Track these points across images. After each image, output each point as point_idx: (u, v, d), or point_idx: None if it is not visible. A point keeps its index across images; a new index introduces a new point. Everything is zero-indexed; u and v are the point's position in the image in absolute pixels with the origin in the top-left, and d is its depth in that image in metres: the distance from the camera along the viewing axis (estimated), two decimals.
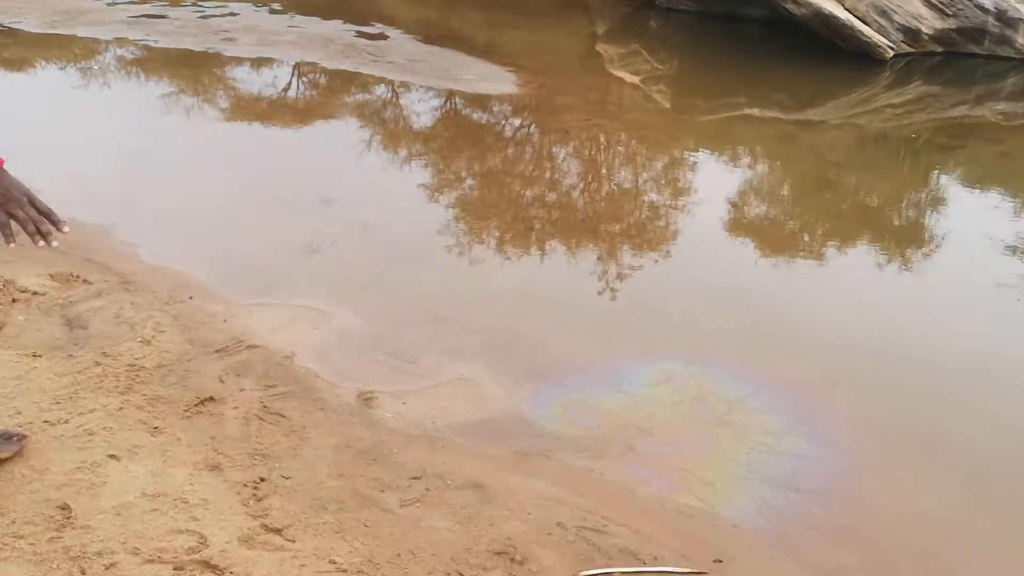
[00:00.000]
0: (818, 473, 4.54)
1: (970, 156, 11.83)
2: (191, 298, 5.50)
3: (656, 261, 7.17)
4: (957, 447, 4.92)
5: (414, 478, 4.09)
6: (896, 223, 9.00)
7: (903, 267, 7.75)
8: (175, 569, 3.30)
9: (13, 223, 2.45)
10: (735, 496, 4.25)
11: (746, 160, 10.88)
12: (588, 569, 3.63)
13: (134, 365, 4.64)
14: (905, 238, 8.49)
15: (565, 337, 5.61)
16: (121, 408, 4.26)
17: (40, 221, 2.43)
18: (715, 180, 9.67)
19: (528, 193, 8.50)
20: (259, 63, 12.02)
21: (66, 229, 2.46)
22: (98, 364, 4.60)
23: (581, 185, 8.94)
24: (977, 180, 10.79)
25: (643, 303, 6.35)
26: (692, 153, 10.76)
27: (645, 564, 3.71)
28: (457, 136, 10.19)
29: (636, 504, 4.13)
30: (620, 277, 6.73)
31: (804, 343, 5.91)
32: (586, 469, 4.36)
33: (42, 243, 2.43)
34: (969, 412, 5.27)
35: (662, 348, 5.63)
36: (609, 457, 4.47)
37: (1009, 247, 8.25)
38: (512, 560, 3.63)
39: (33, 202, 2.43)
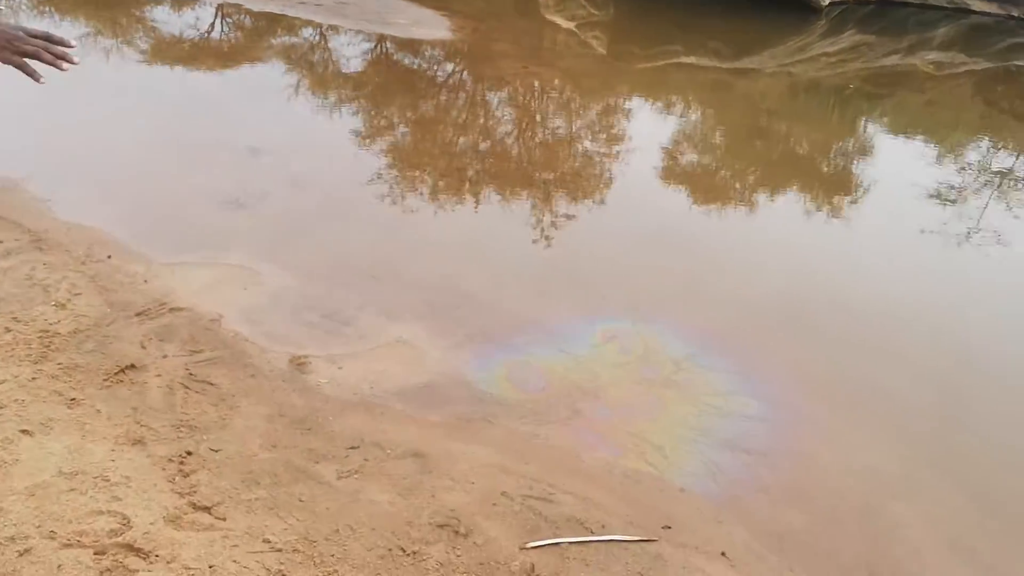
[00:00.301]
0: (763, 432, 4.49)
1: (898, 105, 11.95)
2: (109, 257, 5.16)
3: (595, 212, 7.03)
4: (893, 399, 4.94)
5: (351, 448, 3.90)
6: (825, 171, 9.05)
7: (832, 214, 7.81)
8: (96, 554, 3.08)
9: (31, 61, 2.21)
10: (683, 460, 4.17)
11: (681, 108, 10.80)
12: (535, 540, 3.51)
13: (48, 331, 4.33)
14: (834, 186, 8.53)
15: (507, 295, 5.44)
16: (34, 378, 3.97)
17: (49, 47, 2.20)
18: (651, 128, 9.57)
19: (463, 142, 8.25)
20: (180, 3, 11.44)
21: (74, 44, 2.24)
22: (8, 330, 4.28)
23: (518, 134, 8.72)
24: (904, 128, 10.93)
25: (585, 256, 6.20)
26: (628, 100, 10.62)
27: (593, 533, 3.61)
28: (390, 82, 9.83)
29: (582, 470, 4.01)
30: (562, 230, 6.56)
31: (742, 293, 5.86)
32: (530, 435, 4.22)
33: (66, 65, 2.20)
34: (901, 363, 5.30)
35: (606, 305, 5.50)
36: (554, 422, 4.34)
37: (932, 194, 8.38)
38: (456, 533, 3.49)
39: (31, 32, 2.19)
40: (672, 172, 8.41)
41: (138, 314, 4.61)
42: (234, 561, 3.14)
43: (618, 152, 8.59)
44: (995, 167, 9.62)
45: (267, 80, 9.26)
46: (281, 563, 3.18)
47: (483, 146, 8.20)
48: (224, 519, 3.35)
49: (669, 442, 4.26)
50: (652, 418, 4.42)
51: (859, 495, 4.15)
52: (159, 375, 4.15)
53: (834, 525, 3.93)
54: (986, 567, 3.83)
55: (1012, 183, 9.20)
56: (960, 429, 4.81)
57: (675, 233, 6.78)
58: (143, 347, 4.35)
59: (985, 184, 9.04)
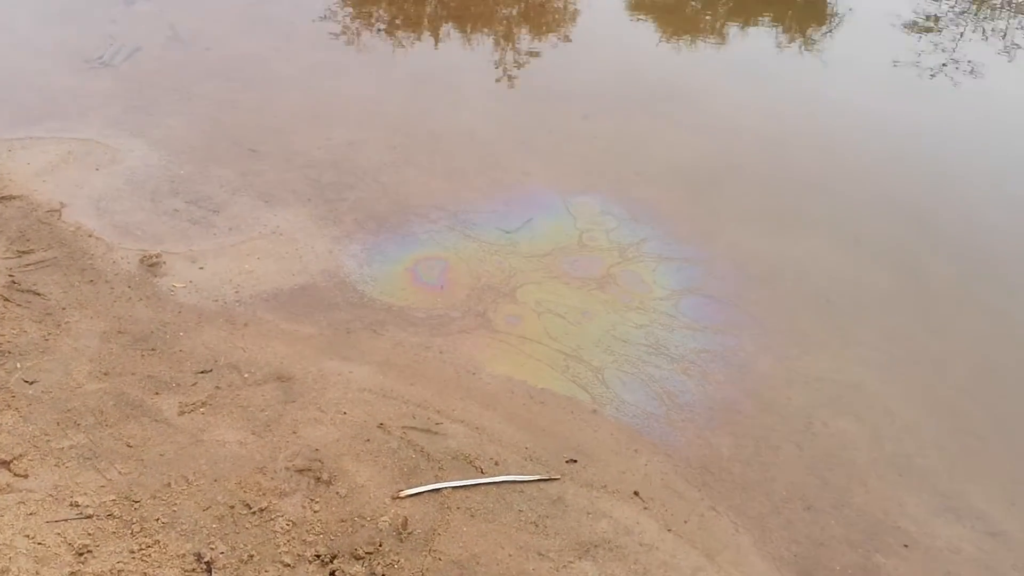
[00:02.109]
0: (695, 337, 3.89)
1: None
2: None
3: (526, 63, 6.19)
4: (849, 290, 4.30)
5: (202, 372, 3.28)
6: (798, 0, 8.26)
7: (805, 47, 7.05)
8: None
9: None
10: (600, 376, 3.56)
11: None
12: (411, 487, 2.94)
13: None
14: (806, 17, 7.74)
15: (411, 171, 4.70)
16: None
17: None
18: None
19: None
20: None
21: None
22: None
23: None
24: None
25: (513, 118, 5.41)
26: None
27: (483, 473, 3.05)
28: None
29: (479, 392, 3.41)
30: (484, 85, 5.75)
31: (695, 153, 5.16)
32: (422, 347, 3.59)
33: None
34: (860, 247, 4.62)
35: (533, 181, 4.77)
36: (453, 331, 3.70)
37: (908, 24, 7.67)
38: (317, 480, 2.91)
39: None
40: (637, 5, 7.56)
41: None
42: (26, 536, 2.55)
43: None
44: None
45: None
46: (88, 534, 2.60)
47: None
48: (26, 476, 2.76)
49: (586, 354, 3.65)
50: (571, 324, 3.79)
51: (800, 411, 3.60)
52: None
53: (768, 450, 3.40)
54: (939, 495, 3.33)
55: (990, 11, 8.47)
56: (923, 325, 4.18)
57: (632, 83, 5.95)
58: None
59: (963, 12, 8.33)
